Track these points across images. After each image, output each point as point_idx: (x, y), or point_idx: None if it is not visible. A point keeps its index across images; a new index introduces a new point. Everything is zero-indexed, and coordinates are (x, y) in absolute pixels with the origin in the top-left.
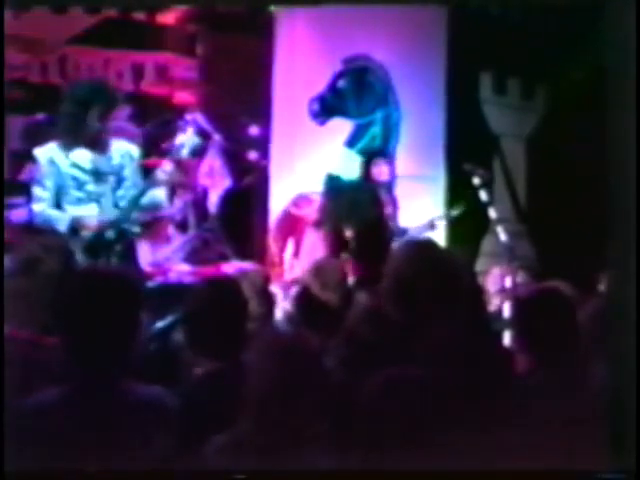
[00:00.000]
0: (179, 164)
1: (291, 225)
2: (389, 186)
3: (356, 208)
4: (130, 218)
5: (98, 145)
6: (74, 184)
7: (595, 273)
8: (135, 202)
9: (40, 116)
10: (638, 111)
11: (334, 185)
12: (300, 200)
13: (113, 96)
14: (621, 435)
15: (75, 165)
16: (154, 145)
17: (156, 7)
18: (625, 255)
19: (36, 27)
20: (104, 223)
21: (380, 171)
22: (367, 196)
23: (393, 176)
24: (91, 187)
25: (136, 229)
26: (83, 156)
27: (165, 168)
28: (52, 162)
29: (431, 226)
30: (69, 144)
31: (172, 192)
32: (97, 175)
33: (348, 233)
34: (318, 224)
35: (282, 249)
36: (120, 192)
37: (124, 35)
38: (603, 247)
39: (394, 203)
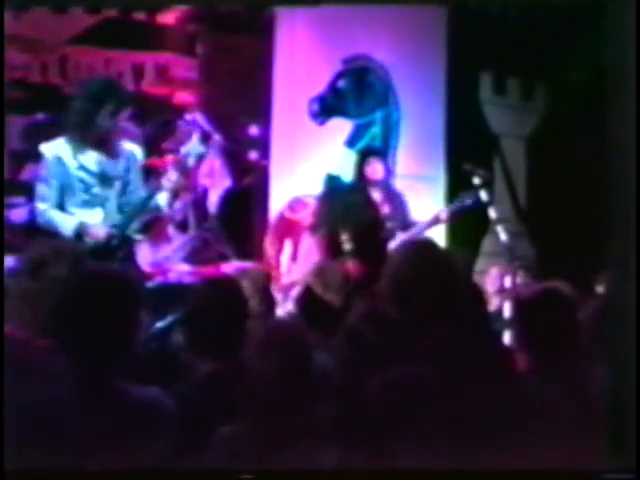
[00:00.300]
0: (183, 171)
1: (287, 229)
2: (386, 184)
3: (350, 211)
4: (133, 224)
5: (106, 146)
6: (81, 186)
7: (595, 273)
8: (141, 209)
9: (40, 116)
10: (638, 111)
11: (330, 187)
12: (295, 204)
13: (124, 95)
14: (621, 435)
15: (82, 167)
16: (154, 145)
17: (156, 7)
18: (625, 255)
19: (36, 27)
20: (110, 233)
21: (374, 170)
22: (361, 197)
23: (388, 174)
24: (97, 190)
25: (138, 236)
26: (91, 158)
27: (170, 177)
28: (59, 160)
29: (436, 220)
30: (78, 141)
31: (173, 194)
32: (103, 179)
33: (344, 236)
34: (314, 228)
35: (278, 252)
36: (124, 197)
37: (124, 35)
38: (603, 247)
39: (395, 200)
